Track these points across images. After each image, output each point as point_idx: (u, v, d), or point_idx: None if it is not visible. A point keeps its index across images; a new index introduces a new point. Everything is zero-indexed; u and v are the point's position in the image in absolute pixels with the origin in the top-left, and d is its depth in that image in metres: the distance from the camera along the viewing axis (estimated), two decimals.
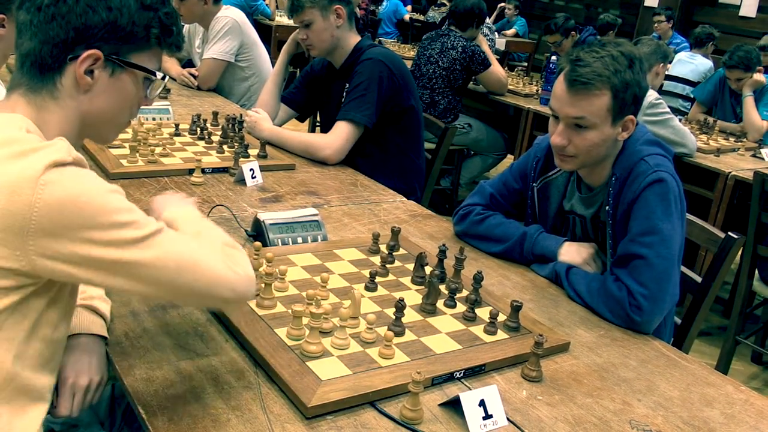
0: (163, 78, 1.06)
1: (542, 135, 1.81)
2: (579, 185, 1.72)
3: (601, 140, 1.54)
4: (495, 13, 8.94)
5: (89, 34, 0.97)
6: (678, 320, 1.79)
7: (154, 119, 2.51)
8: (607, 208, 1.61)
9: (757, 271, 2.84)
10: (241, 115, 2.53)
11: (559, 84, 1.54)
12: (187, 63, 3.47)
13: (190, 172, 2.05)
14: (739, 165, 3.28)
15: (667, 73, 4.07)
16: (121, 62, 1.00)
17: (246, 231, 1.69)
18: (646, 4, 8.78)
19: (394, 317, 1.29)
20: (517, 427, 1.12)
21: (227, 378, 1.13)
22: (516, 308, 1.37)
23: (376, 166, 2.46)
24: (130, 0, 0.98)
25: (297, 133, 2.49)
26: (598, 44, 1.51)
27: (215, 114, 2.62)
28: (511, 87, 4.45)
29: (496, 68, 4.14)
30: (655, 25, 6.47)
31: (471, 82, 4.24)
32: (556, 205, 1.76)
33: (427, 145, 2.85)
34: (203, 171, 2.07)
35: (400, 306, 1.28)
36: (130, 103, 1.04)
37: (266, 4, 6.86)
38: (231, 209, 1.80)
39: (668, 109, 3.11)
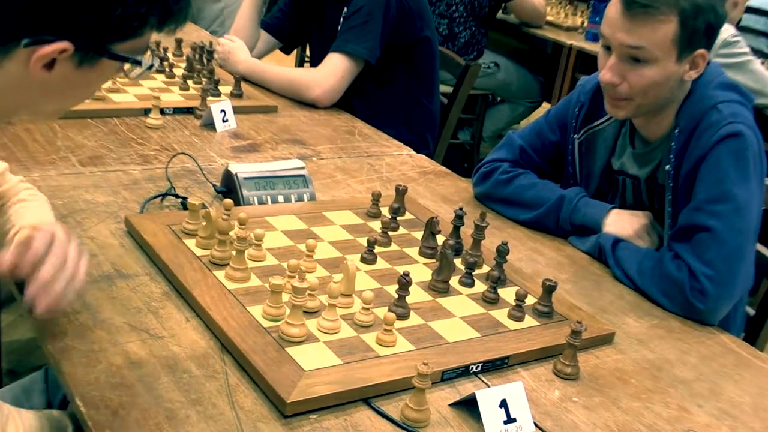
0: (150, 68, 0.95)
1: (587, 77, 1.79)
2: (633, 138, 1.71)
3: (663, 79, 1.51)
4: None
5: (65, 22, 0.84)
6: (751, 310, 1.78)
7: None
8: (667, 167, 1.60)
9: None
10: (211, 43, 2.50)
11: (614, 5, 1.51)
12: None
13: (146, 112, 2.04)
14: None
15: (748, 4, 4.00)
16: (97, 53, 0.88)
17: (214, 186, 1.68)
18: None
19: (396, 296, 1.29)
20: None
21: (187, 365, 1.12)
22: (549, 289, 1.36)
23: (379, 110, 2.44)
24: None
25: (280, 67, 2.47)
26: None
27: (179, 42, 2.59)
28: (549, 18, 4.39)
29: None
30: None
31: (500, 11, 4.19)
32: (603, 162, 1.75)
33: (443, 88, 2.83)
34: (162, 111, 2.06)
35: (404, 282, 1.28)
36: (92, 91, 0.97)
37: None
38: (196, 159, 1.79)
39: (748, 49, 3.07)
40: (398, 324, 1.26)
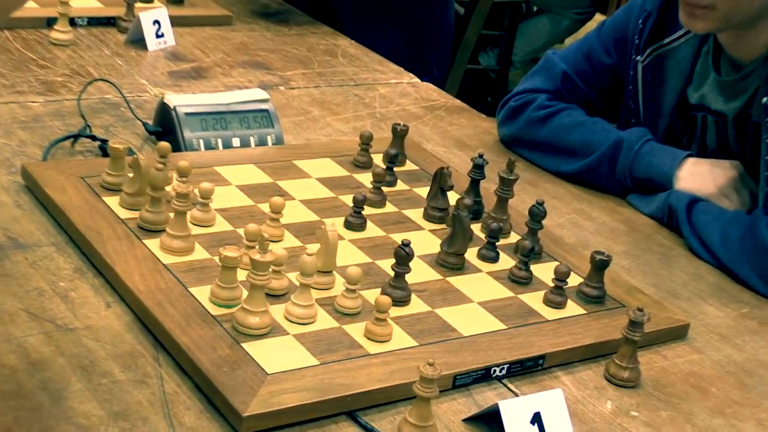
0: None
1: None
2: (717, 62, 1.71)
3: None
4: None
5: None
6: None
7: None
8: (764, 99, 1.59)
9: None
10: None
11: None
12: None
13: (50, 22, 2.03)
14: None
15: None
16: None
17: (145, 125, 1.68)
18: None
19: (393, 273, 1.29)
20: None
21: (108, 366, 1.12)
22: (600, 265, 1.37)
23: (371, 22, 2.43)
24: None
25: None
26: None
27: None
28: None
29: None
30: None
31: None
32: (676, 94, 1.75)
33: None
34: (72, 22, 2.06)
35: (403, 255, 1.28)
36: None
37: None
38: (120, 88, 1.78)
39: None
40: (395, 311, 1.25)
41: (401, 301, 1.28)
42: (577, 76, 1.84)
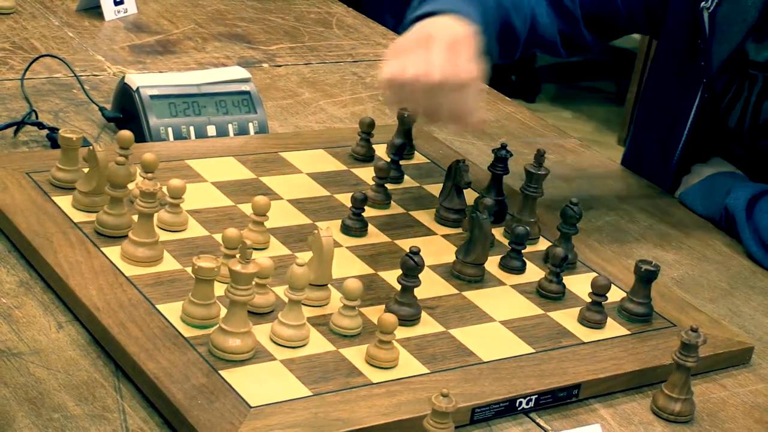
0: None
1: None
2: None
3: None
4: None
5: None
6: None
7: None
8: None
9: None
10: None
11: None
12: None
13: None
14: None
15: None
16: None
17: (102, 110, 1.68)
18: None
19: (399, 285, 1.30)
20: None
21: (60, 399, 1.12)
22: (646, 276, 1.37)
23: None
24: None
25: None
26: None
27: None
28: None
29: None
30: None
31: None
32: (732, 46, 1.74)
33: None
34: None
35: (411, 265, 1.28)
36: None
37: None
38: (71, 65, 1.78)
39: None
40: (402, 332, 1.25)
41: (409, 320, 1.29)
42: None
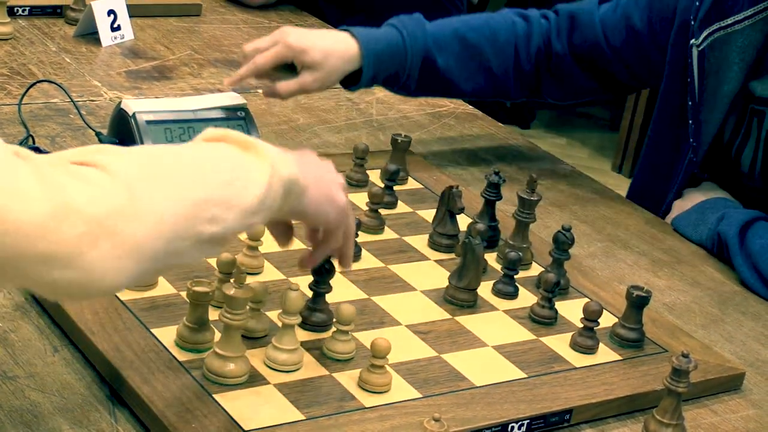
0: None
1: None
2: None
3: None
4: None
5: None
6: None
7: None
8: None
9: None
10: None
11: None
12: None
13: None
14: None
15: None
16: None
17: (98, 135, 1.68)
18: None
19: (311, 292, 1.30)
20: None
21: (54, 422, 1.12)
22: (638, 302, 1.37)
23: (367, 6, 2.44)
24: None
25: None
26: None
27: None
28: None
29: None
30: None
31: None
32: (735, 86, 1.75)
33: None
34: (12, 12, 2.06)
35: (324, 269, 1.27)
36: None
37: None
38: (67, 90, 1.78)
39: None
40: (395, 356, 1.25)
41: (320, 326, 1.29)
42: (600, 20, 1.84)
